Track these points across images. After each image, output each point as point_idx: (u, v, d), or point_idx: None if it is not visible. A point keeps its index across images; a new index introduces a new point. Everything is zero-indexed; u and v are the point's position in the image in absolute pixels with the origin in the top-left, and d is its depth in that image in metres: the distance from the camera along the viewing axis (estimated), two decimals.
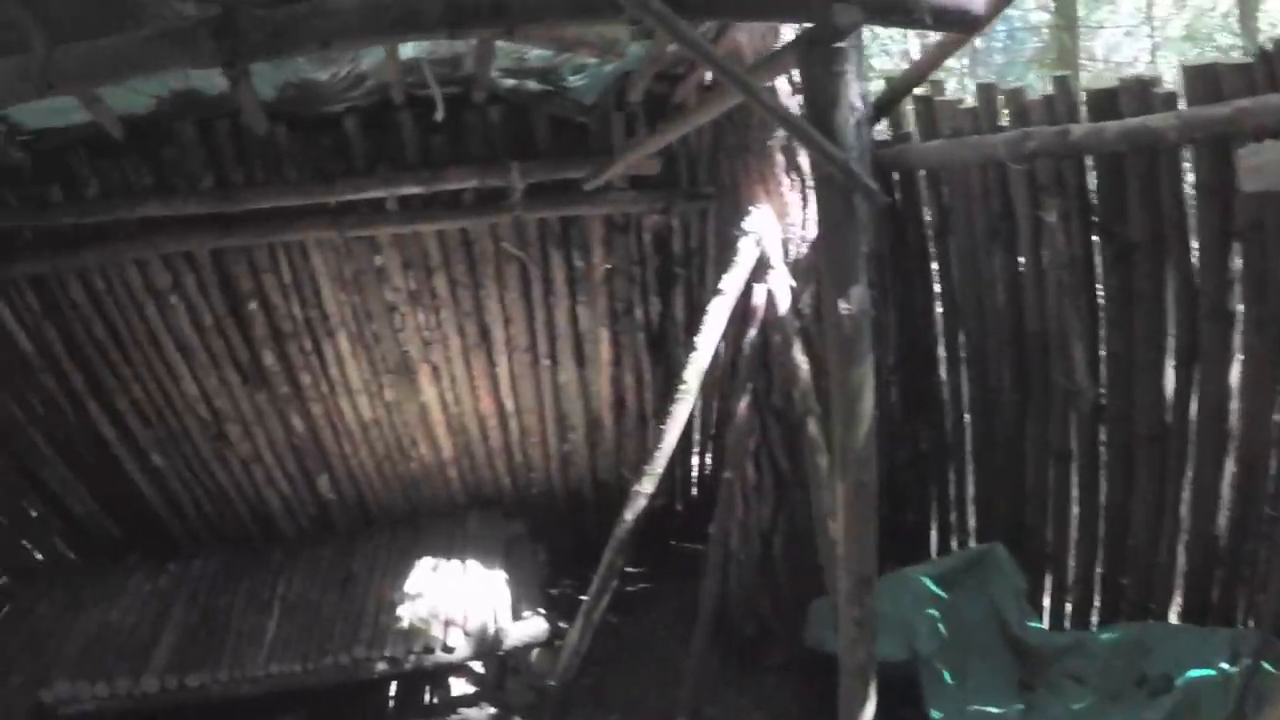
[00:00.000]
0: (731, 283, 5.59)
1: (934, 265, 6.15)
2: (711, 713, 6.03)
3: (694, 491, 8.16)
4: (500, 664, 6.55)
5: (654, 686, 6.47)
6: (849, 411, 3.16)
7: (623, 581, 6.25)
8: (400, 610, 6.54)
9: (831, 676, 3.72)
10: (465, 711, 6.61)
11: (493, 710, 6.54)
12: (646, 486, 5.59)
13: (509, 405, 7.33)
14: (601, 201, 6.33)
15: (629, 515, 5.64)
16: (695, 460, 8.00)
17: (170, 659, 6.33)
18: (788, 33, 5.21)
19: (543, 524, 7.77)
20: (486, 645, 6.26)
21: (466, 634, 6.27)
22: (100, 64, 2.96)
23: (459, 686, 6.78)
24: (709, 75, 5.64)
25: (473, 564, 6.97)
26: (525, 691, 6.46)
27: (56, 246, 6.19)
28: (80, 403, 6.97)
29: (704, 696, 5.95)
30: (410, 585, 6.80)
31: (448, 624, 6.33)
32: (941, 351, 6.26)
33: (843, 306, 3.03)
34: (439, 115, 5.10)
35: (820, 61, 2.89)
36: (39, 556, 7.85)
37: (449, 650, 6.22)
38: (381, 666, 6.21)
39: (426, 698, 6.75)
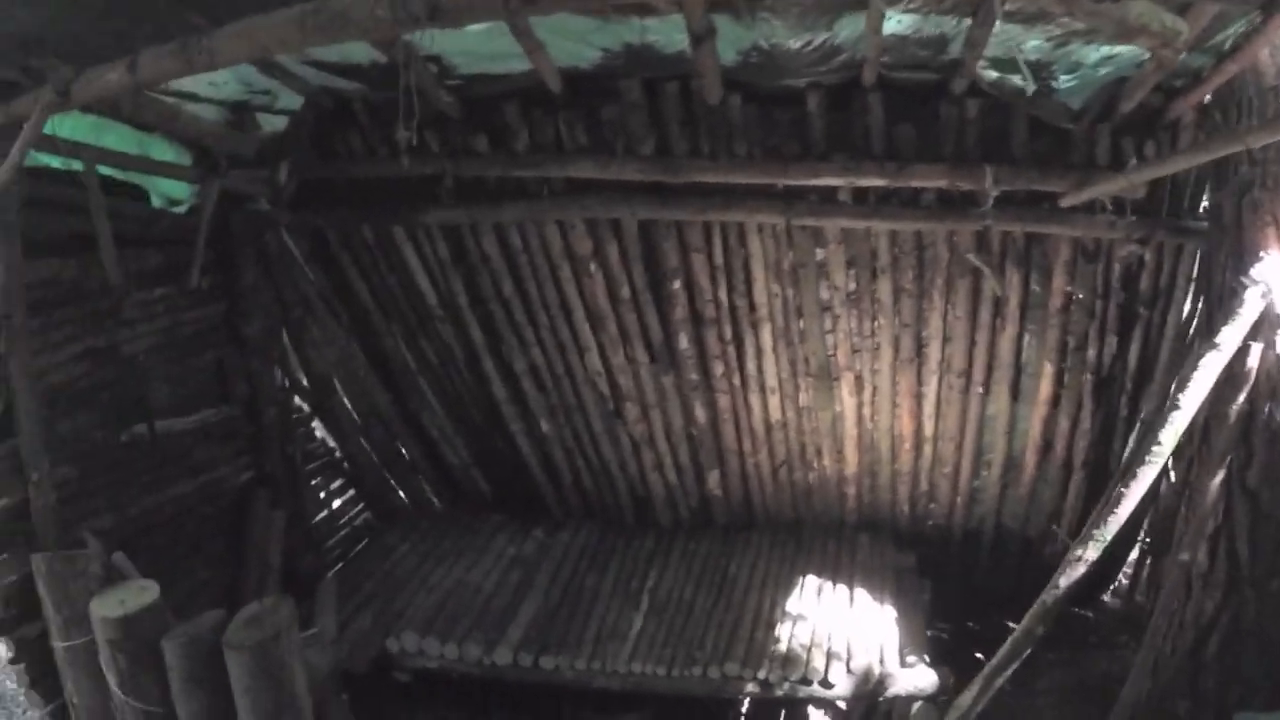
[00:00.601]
0: (1230, 337, 4.78)
1: None
2: None
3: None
4: (869, 705, 5.90)
5: None
6: None
7: None
8: (779, 631, 6.06)
9: None
10: None
11: None
12: (1090, 553, 4.90)
13: (928, 429, 6.72)
14: (1076, 222, 5.59)
15: (1063, 581, 4.98)
16: None
17: (527, 634, 6.10)
18: None
19: (930, 559, 7.13)
20: (868, 688, 5.67)
21: (849, 671, 5.72)
22: None
23: (817, 717, 6.24)
24: (1209, 95, 4.91)
25: (860, 593, 6.42)
26: None
27: (476, 198, 6.03)
28: (475, 357, 6.91)
29: None
30: (792, 605, 6.32)
31: (830, 656, 5.80)
32: None
33: None
34: (1029, 88, 4.57)
35: None
36: (404, 498, 7.87)
37: (827, 686, 5.69)
38: (751, 688, 5.76)
39: None
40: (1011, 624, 7.08)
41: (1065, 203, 5.45)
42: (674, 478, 7.28)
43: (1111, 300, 5.95)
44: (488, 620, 6.20)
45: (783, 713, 6.23)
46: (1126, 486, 4.82)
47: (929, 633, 6.50)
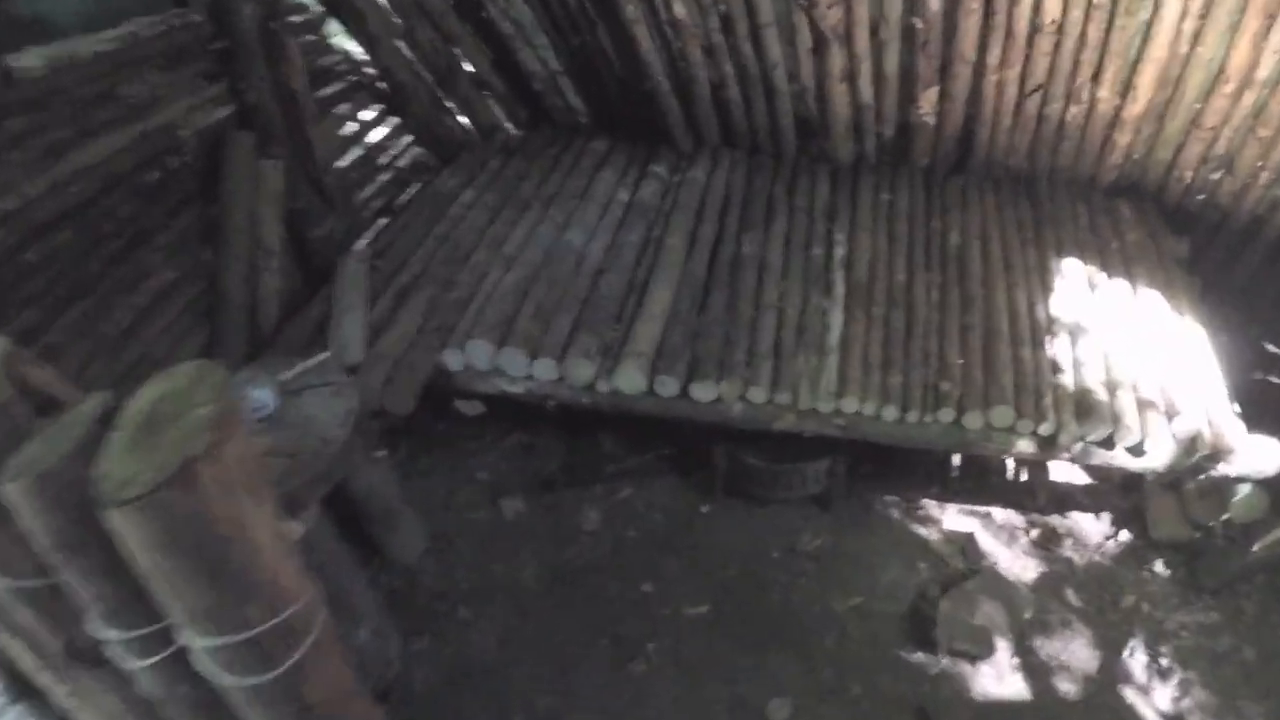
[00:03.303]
0: None
1: None
2: None
3: None
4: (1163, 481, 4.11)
5: None
6: None
7: None
8: (1059, 357, 4.03)
9: None
10: (1077, 517, 4.30)
11: (1119, 534, 4.23)
12: None
13: (1264, 69, 4.51)
14: None
15: None
16: None
17: (666, 340, 3.94)
18: None
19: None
20: (1191, 464, 3.78)
21: (1174, 436, 3.75)
22: None
23: (1065, 475, 4.43)
24: None
25: (1144, 296, 4.45)
26: (1180, 526, 4.16)
27: None
28: None
29: None
30: (1058, 308, 4.31)
31: (1143, 408, 3.81)
32: None
33: None
34: None
35: None
36: (465, 126, 5.77)
37: (1138, 453, 3.78)
38: (1025, 446, 3.81)
39: (1021, 476, 4.39)
40: None
41: None
42: (868, 95, 5.05)
43: None
44: (598, 315, 4.03)
45: (1010, 463, 4.37)
46: None
47: None
